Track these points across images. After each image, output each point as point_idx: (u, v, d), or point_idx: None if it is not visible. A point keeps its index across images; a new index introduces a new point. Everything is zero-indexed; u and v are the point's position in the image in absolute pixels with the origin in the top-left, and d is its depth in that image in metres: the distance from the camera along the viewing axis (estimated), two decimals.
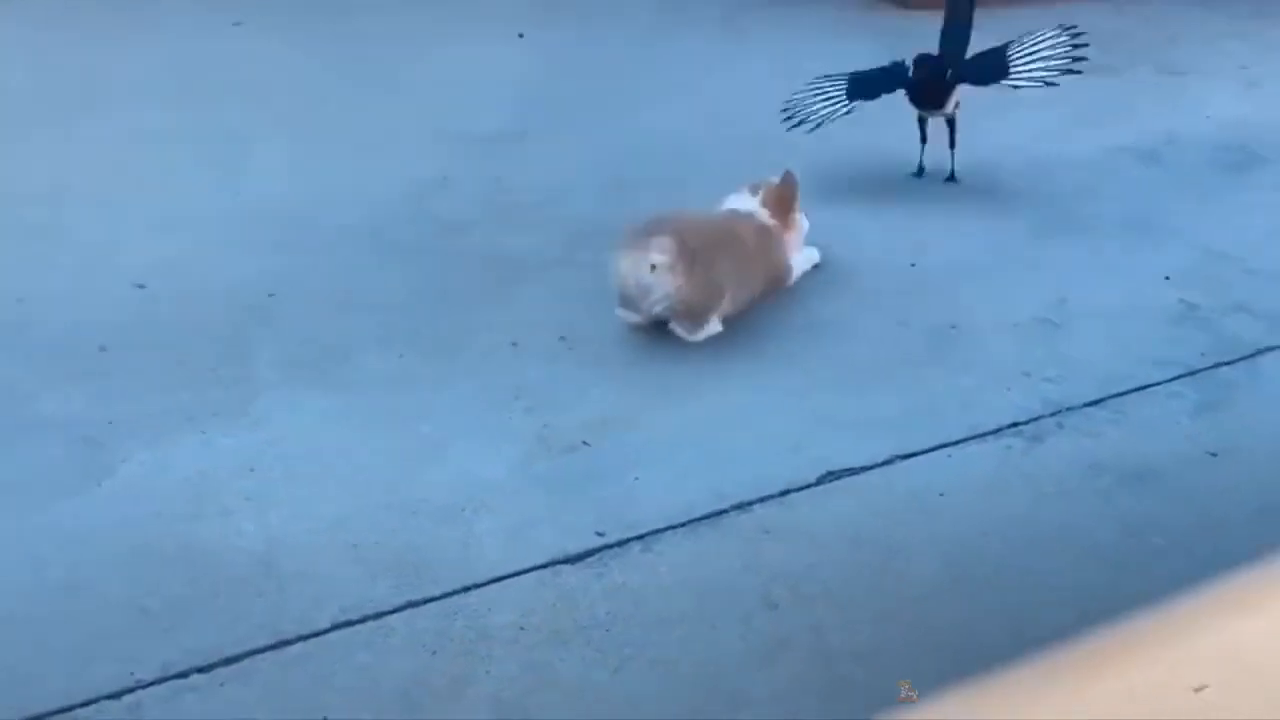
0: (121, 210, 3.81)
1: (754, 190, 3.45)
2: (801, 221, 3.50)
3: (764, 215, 3.39)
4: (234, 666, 2.10)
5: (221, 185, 3.98)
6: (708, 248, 3.13)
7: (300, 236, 3.66)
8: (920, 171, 4.08)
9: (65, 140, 4.35)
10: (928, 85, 3.93)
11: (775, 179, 3.46)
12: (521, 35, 5.44)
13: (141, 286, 3.34)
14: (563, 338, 3.14)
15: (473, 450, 2.69)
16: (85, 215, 3.78)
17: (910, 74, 3.96)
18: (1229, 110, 4.92)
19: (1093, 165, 4.33)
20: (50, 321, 3.17)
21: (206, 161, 4.16)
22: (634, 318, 3.15)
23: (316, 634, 2.17)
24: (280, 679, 2.08)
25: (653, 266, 3.05)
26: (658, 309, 3.11)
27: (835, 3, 6.13)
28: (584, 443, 2.73)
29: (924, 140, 4.07)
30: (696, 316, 3.14)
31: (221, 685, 2.07)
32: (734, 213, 3.37)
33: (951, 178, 4.04)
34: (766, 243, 3.35)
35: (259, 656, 2.12)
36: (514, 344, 3.11)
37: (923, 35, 5.05)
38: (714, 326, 3.19)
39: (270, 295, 3.32)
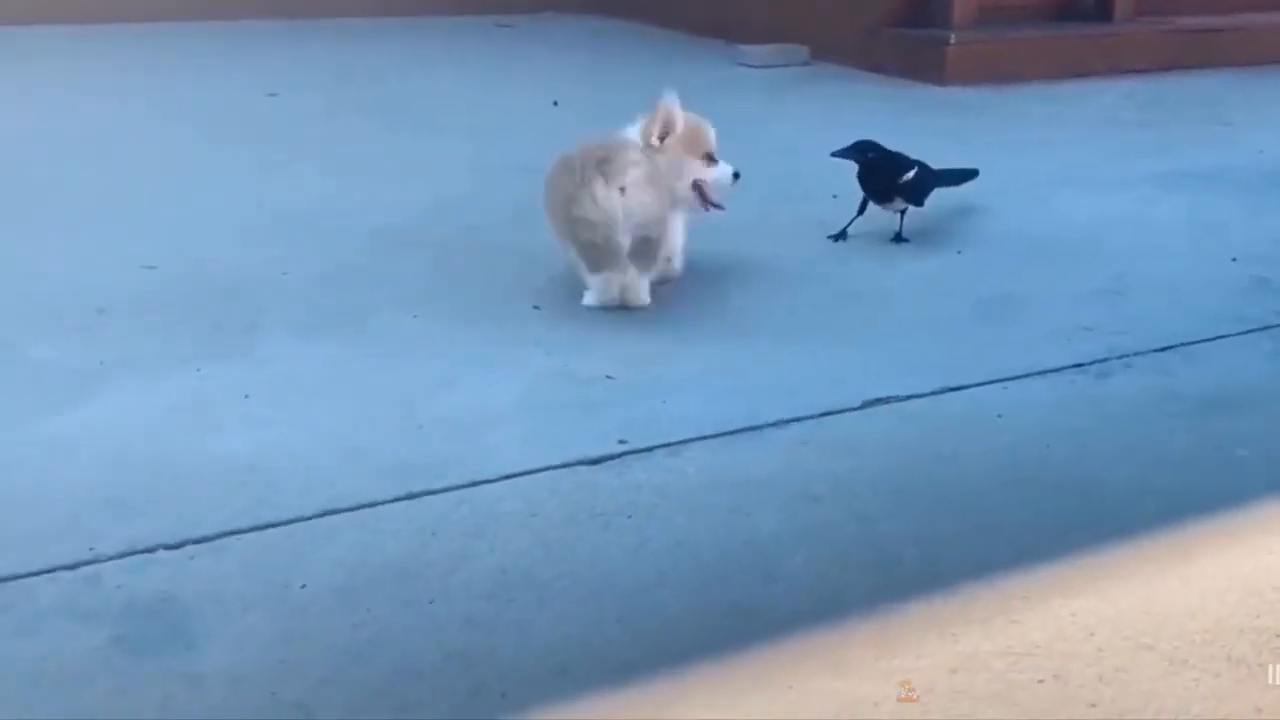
0: (151, 213, 3.68)
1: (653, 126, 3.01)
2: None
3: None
4: (206, 544, 1.88)
5: (249, 201, 3.86)
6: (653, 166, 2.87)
7: (321, 234, 3.51)
8: (842, 235, 3.44)
9: (112, 165, 4.27)
10: (874, 175, 3.41)
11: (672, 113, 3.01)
12: (556, 103, 5.39)
13: (152, 268, 3.19)
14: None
15: (488, 382, 2.49)
16: (119, 214, 3.65)
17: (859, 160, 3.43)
18: None
19: (1147, 182, 4.14)
20: (52, 291, 3.01)
21: (237, 184, 4.05)
22: (603, 294, 2.89)
23: (301, 519, 1.95)
24: (254, 555, 1.86)
25: (622, 189, 2.75)
26: (640, 234, 2.78)
27: (874, 79, 6.07)
28: (608, 377, 2.52)
29: (860, 212, 3.45)
30: (658, 247, 2.84)
31: (191, 559, 1.84)
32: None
33: (898, 238, 3.47)
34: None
35: (235, 536, 1.90)
36: (536, 307, 2.93)
37: (960, 105, 4.98)
38: (673, 265, 3.04)
39: (284, 274, 3.16)
